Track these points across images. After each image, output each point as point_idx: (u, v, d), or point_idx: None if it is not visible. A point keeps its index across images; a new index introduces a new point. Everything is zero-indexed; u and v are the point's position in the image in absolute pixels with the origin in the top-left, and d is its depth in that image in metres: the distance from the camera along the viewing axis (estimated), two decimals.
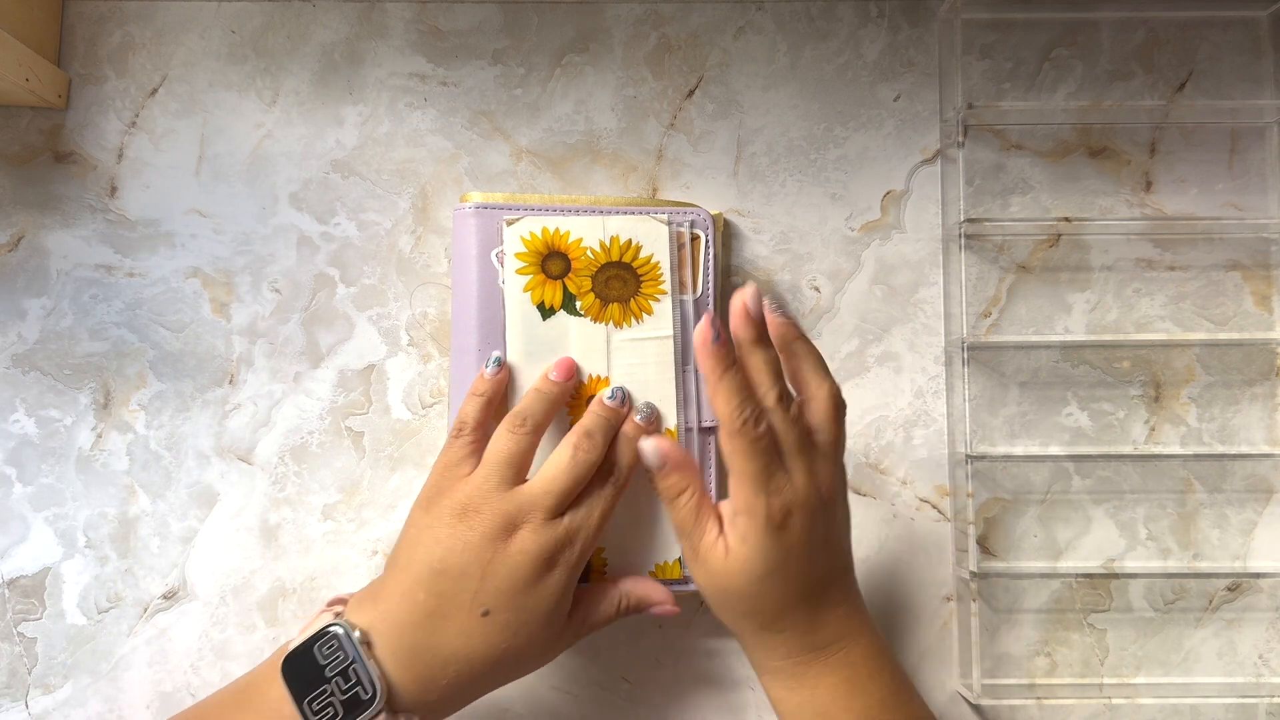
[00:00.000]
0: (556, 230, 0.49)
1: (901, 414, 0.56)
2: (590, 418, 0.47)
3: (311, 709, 0.40)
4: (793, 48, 0.57)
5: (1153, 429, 0.56)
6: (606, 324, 0.49)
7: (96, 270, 0.55)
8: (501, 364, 0.48)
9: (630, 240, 0.49)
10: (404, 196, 0.56)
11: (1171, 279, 0.57)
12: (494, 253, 0.50)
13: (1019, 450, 0.56)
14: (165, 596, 0.54)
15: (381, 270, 0.56)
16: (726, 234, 0.56)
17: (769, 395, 0.43)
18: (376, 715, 0.40)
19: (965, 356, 0.55)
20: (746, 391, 0.43)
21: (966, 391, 0.55)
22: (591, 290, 0.49)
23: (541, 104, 0.57)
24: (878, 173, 0.57)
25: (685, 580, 0.50)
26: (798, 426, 0.43)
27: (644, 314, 0.50)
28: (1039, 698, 0.55)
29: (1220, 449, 0.56)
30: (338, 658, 0.40)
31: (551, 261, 0.49)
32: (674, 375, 0.49)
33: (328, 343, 0.55)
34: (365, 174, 0.56)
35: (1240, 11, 0.57)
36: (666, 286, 0.50)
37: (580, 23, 0.57)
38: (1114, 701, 0.54)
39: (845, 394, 0.56)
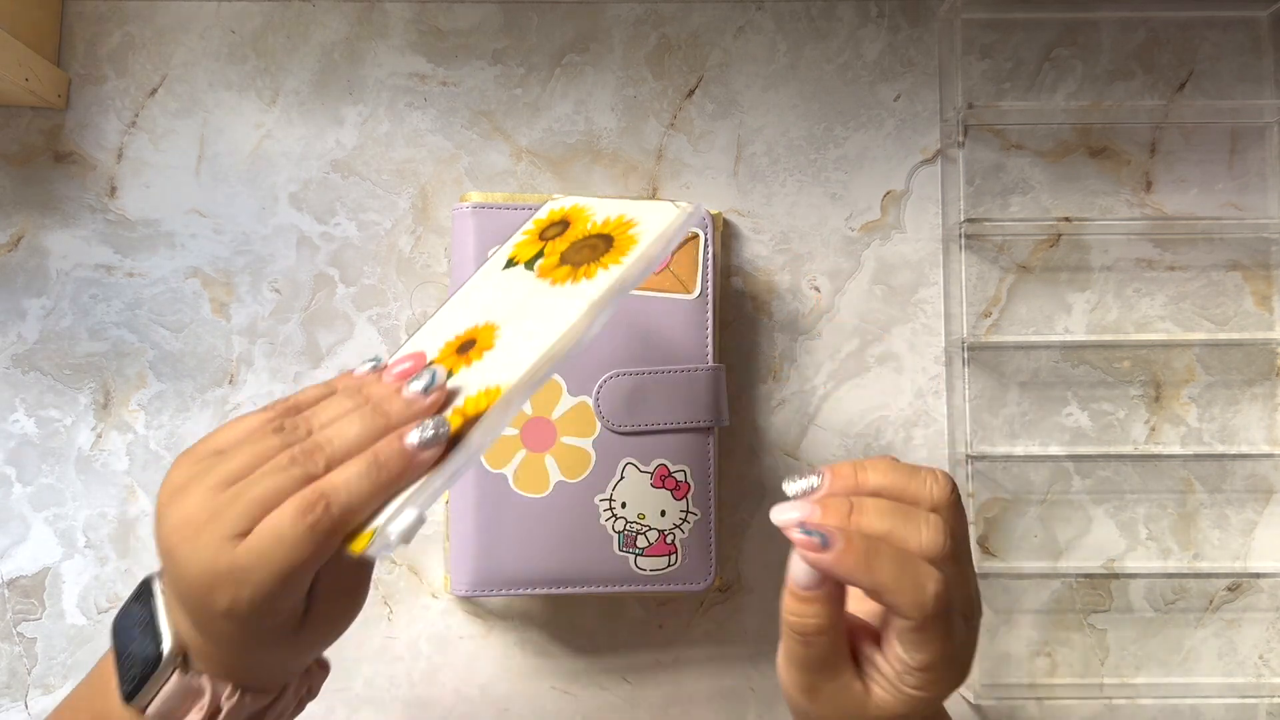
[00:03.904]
0: (583, 208, 0.42)
1: (902, 414, 0.56)
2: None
3: (123, 668, 0.35)
4: (793, 47, 0.57)
5: (1153, 429, 0.56)
6: (545, 279, 0.39)
7: (96, 270, 0.55)
8: (376, 368, 0.37)
9: (633, 220, 0.40)
10: (404, 196, 0.56)
11: (1172, 279, 0.57)
12: (491, 252, 0.50)
13: (1019, 450, 0.56)
14: None
15: (381, 270, 0.56)
16: (726, 234, 0.56)
17: None
18: (169, 673, 0.34)
19: (965, 356, 0.55)
20: None
21: (967, 391, 0.55)
22: (560, 251, 0.40)
23: (541, 104, 0.57)
24: (878, 173, 0.57)
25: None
26: None
27: (583, 278, 0.38)
28: (1039, 698, 0.54)
29: (1220, 449, 0.56)
30: (143, 612, 0.36)
31: (552, 229, 0.43)
32: (555, 337, 0.35)
33: (328, 343, 0.55)
34: (365, 174, 0.56)
35: (1240, 11, 0.57)
36: (626, 259, 0.38)
37: (580, 23, 0.57)
38: (1114, 702, 0.54)
39: (845, 394, 0.56)
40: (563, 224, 0.42)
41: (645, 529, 0.51)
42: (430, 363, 0.37)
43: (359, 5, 0.57)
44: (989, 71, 0.58)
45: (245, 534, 0.32)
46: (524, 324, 0.37)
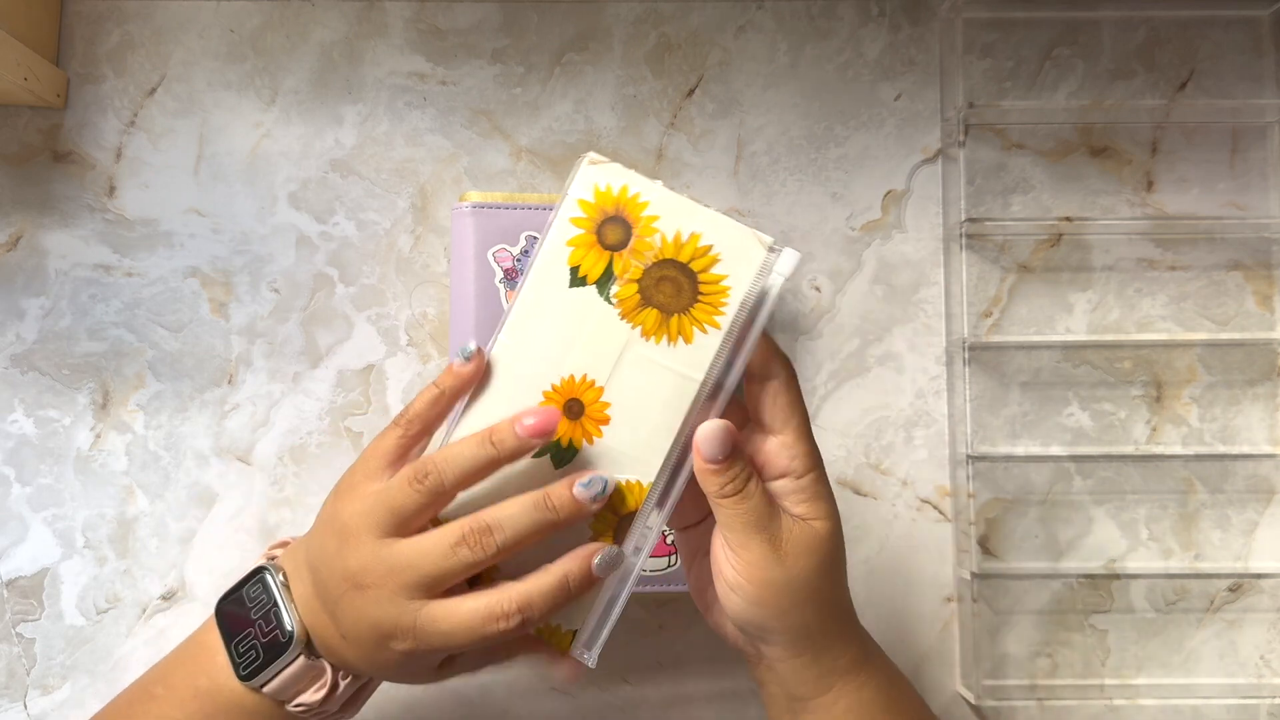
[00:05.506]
0: (635, 196, 0.39)
1: (902, 414, 0.56)
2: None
3: (238, 650, 0.39)
4: (793, 47, 0.57)
5: (1154, 429, 0.56)
6: (635, 327, 0.38)
7: (95, 270, 0.55)
8: (473, 357, 0.38)
9: (709, 246, 0.38)
10: (403, 196, 0.56)
11: (1173, 279, 0.57)
12: (491, 251, 0.50)
13: (1020, 450, 0.56)
14: (164, 597, 0.54)
15: (381, 270, 0.56)
16: None
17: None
18: (294, 659, 0.38)
19: (966, 356, 0.55)
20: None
21: (967, 391, 0.55)
22: (636, 280, 0.38)
23: (541, 103, 0.57)
24: (878, 172, 0.57)
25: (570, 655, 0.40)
26: None
27: (680, 338, 0.38)
28: (1040, 699, 0.54)
29: (1222, 449, 0.56)
30: (262, 600, 0.39)
31: (610, 227, 0.39)
32: (678, 425, 0.38)
33: (327, 343, 0.55)
34: (364, 173, 0.56)
35: (1241, 11, 0.57)
36: (724, 320, 0.38)
37: (580, 21, 0.57)
38: (1115, 702, 0.54)
39: (846, 394, 0.56)
40: (619, 222, 0.39)
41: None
42: (558, 438, 0.39)
43: (358, 4, 0.57)
44: (990, 71, 0.57)
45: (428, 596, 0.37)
46: (634, 399, 0.39)
